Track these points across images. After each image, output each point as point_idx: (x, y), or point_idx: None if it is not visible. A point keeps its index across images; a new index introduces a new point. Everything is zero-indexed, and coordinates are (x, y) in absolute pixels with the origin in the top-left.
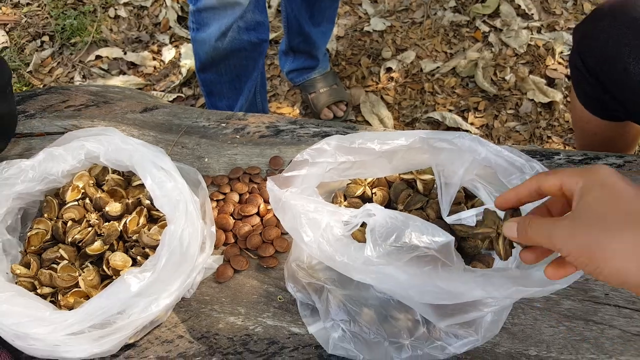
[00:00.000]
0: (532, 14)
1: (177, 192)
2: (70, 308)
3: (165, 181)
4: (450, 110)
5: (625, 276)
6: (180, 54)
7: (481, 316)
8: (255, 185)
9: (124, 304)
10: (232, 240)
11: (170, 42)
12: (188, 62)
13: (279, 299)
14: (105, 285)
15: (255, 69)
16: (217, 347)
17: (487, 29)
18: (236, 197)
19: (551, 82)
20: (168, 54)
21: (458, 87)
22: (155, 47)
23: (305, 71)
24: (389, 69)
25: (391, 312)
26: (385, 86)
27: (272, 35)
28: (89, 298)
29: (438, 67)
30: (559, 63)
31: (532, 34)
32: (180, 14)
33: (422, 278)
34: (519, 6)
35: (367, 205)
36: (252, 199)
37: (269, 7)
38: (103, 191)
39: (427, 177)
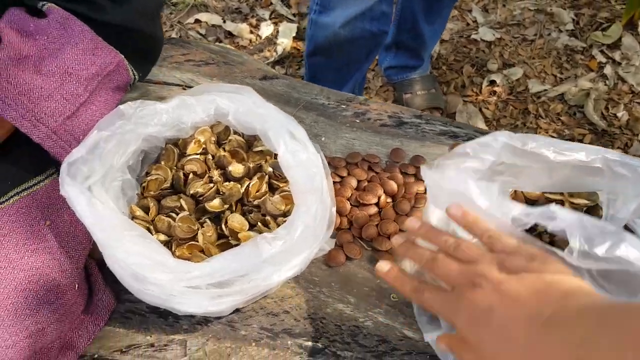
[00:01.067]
0: None
1: (311, 164)
2: (185, 259)
3: (300, 151)
4: (552, 137)
5: None
6: (277, 32)
7: None
8: (375, 174)
9: (250, 268)
10: (347, 226)
11: (270, 18)
12: (285, 41)
13: (392, 297)
14: (222, 245)
15: (367, 60)
16: (323, 331)
17: (604, 59)
18: (354, 183)
19: None
20: (266, 29)
21: (564, 115)
22: (253, 21)
23: (406, 70)
24: (492, 82)
25: None
26: (486, 99)
27: None
28: (204, 253)
29: (546, 89)
30: None
31: None
32: None
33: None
34: None
35: (552, 207)
36: (372, 188)
37: None
38: (224, 150)
39: (580, 201)
